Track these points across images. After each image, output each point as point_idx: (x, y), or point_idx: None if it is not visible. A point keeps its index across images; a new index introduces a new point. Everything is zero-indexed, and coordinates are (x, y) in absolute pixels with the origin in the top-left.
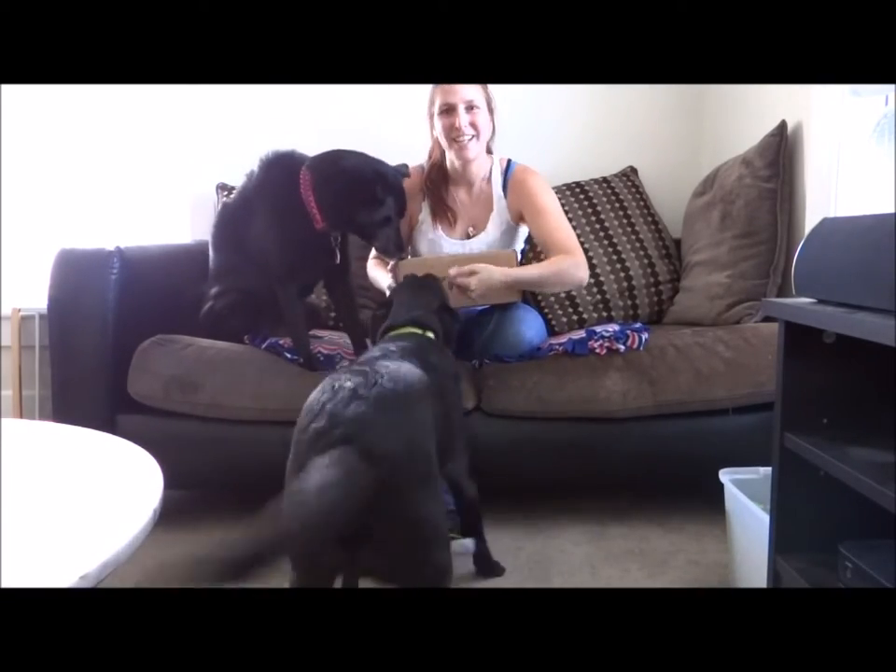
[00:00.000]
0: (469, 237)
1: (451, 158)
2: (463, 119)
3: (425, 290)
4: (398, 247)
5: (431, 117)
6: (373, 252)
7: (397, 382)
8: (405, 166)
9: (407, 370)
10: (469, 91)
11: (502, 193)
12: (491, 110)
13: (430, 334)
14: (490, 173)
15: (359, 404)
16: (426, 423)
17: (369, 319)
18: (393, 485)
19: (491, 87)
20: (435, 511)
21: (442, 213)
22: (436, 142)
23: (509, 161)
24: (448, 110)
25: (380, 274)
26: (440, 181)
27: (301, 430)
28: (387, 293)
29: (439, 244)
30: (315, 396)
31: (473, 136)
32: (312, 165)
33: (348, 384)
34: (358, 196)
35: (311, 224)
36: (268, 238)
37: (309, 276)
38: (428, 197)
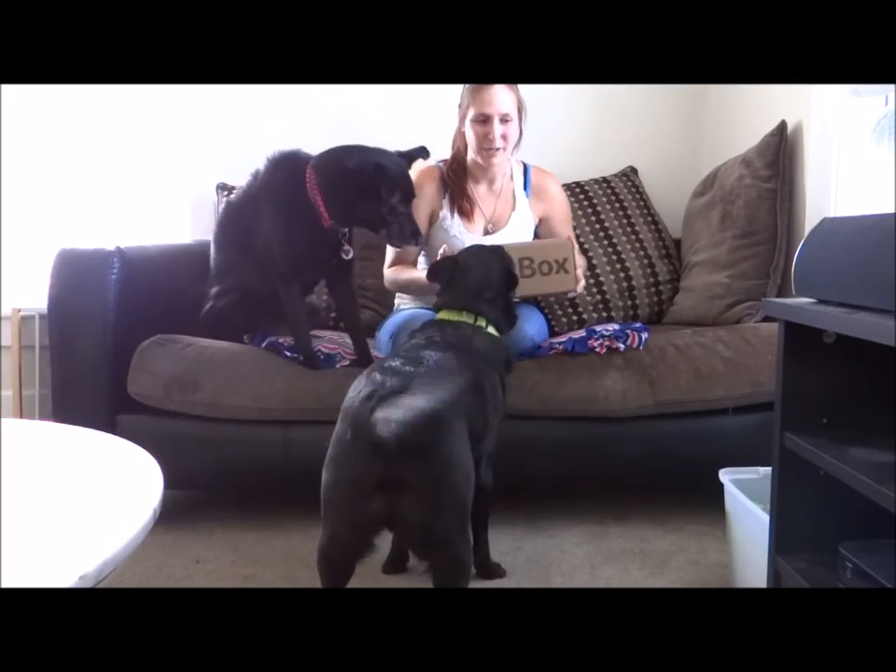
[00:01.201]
0: (487, 233)
1: (475, 158)
2: (496, 131)
3: (489, 264)
4: (413, 235)
5: (463, 118)
6: (389, 258)
7: (439, 364)
8: (423, 149)
9: (448, 358)
10: (504, 104)
11: (524, 193)
12: (521, 117)
13: (482, 322)
14: (511, 171)
15: (405, 376)
16: (459, 400)
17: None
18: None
19: (520, 93)
20: (468, 462)
21: (462, 205)
22: (460, 135)
23: (524, 163)
24: (483, 120)
25: (416, 273)
26: (461, 173)
27: (354, 395)
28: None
29: (460, 239)
30: (370, 371)
31: (503, 147)
32: (316, 165)
33: (397, 361)
34: (363, 192)
35: (319, 222)
36: (275, 236)
37: (314, 274)
38: (449, 189)
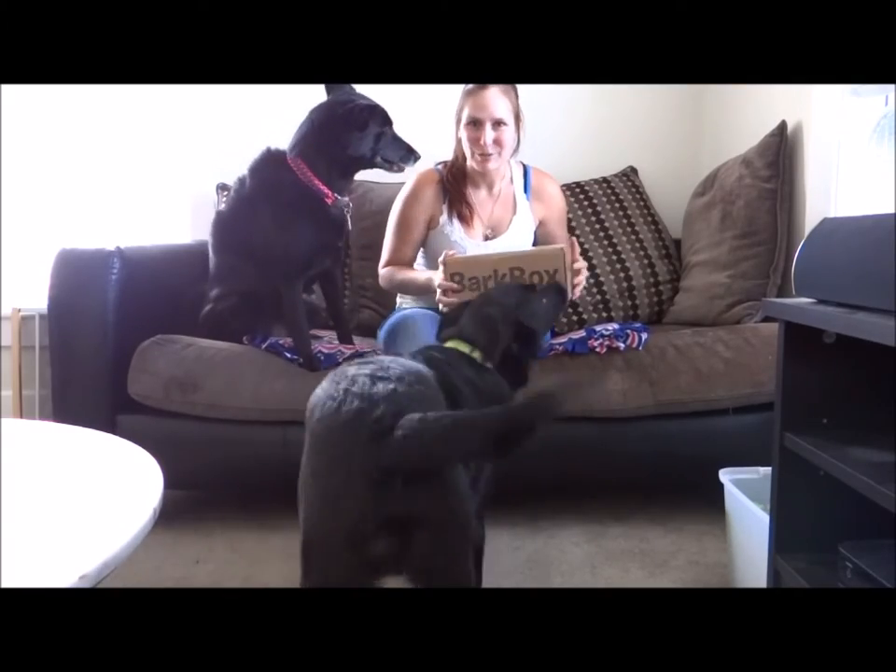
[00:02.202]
0: (487, 239)
1: (471, 164)
2: (488, 136)
3: (502, 304)
4: (409, 152)
5: (458, 122)
6: (384, 258)
7: (408, 369)
8: (351, 86)
9: (413, 364)
10: (498, 109)
11: (525, 196)
12: (518, 123)
13: (476, 353)
14: (511, 175)
15: (386, 383)
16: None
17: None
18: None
19: (520, 93)
20: (468, 499)
21: (461, 211)
22: (458, 140)
23: (524, 164)
24: (475, 123)
25: (413, 273)
26: (460, 178)
27: (328, 417)
28: (438, 290)
29: (461, 244)
30: (327, 387)
31: (496, 153)
32: (297, 151)
33: (363, 370)
34: (349, 130)
35: (323, 202)
36: (278, 235)
37: (321, 263)
38: (449, 194)
